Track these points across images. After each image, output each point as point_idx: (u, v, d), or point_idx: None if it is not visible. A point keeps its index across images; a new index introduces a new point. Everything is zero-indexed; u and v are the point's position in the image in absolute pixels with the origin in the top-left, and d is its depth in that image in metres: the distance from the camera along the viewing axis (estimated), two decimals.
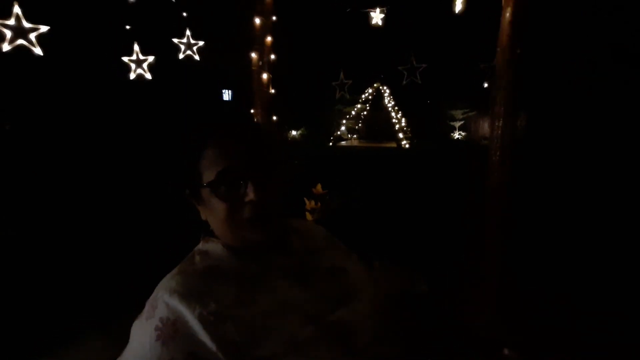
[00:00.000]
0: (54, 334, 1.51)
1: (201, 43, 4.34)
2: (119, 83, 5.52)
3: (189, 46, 4.30)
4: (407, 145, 10.82)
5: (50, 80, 8.31)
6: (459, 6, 2.60)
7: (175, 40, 4.25)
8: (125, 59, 4.09)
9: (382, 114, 11.92)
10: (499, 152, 1.97)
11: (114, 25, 6.16)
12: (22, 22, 2.92)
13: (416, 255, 2.21)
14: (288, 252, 0.71)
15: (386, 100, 11.85)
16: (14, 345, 1.75)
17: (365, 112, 12.32)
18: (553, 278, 2.32)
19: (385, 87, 11.99)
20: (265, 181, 0.65)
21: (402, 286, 0.96)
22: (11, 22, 2.88)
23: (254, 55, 2.70)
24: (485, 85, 8.16)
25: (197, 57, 4.32)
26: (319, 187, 2.62)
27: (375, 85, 12.13)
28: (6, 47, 2.88)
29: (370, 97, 12.23)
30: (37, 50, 3.00)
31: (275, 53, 2.76)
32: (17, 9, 2.88)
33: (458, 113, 11.67)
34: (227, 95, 14.21)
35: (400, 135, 11.03)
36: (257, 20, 2.65)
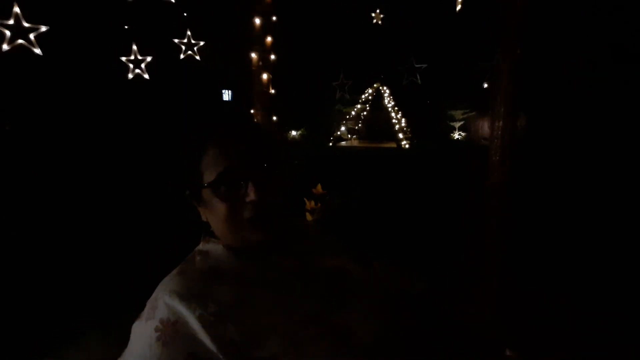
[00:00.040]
0: (54, 334, 1.51)
1: (201, 43, 4.35)
2: (119, 83, 5.53)
3: (189, 46, 4.31)
4: (407, 146, 10.80)
5: (50, 80, 8.30)
6: (459, 5, 2.61)
7: (176, 41, 4.26)
8: (123, 59, 4.10)
9: (382, 114, 11.89)
10: (499, 152, 1.97)
11: (115, 26, 6.17)
12: (21, 22, 2.92)
13: (416, 255, 2.22)
14: (288, 253, 0.71)
15: (386, 101, 11.83)
16: (14, 345, 1.75)
17: (365, 113, 12.30)
18: (553, 278, 2.32)
19: (385, 87, 11.95)
20: (266, 181, 0.65)
21: (401, 286, 0.96)
22: (11, 22, 2.89)
23: (254, 55, 2.71)
24: (485, 85, 8.17)
25: (197, 57, 4.33)
26: (319, 187, 2.63)
27: (375, 85, 12.10)
28: (6, 47, 2.88)
29: (370, 97, 12.20)
30: (37, 50, 3.01)
31: (275, 53, 2.76)
32: (16, 9, 2.88)
33: (458, 113, 11.63)
34: (227, 95, 14.20)
35: (400, 135, 11.01)
36: (257, 20, 2.65)
